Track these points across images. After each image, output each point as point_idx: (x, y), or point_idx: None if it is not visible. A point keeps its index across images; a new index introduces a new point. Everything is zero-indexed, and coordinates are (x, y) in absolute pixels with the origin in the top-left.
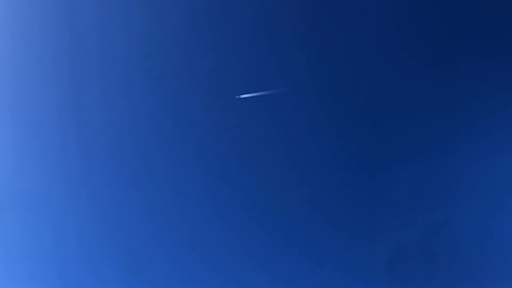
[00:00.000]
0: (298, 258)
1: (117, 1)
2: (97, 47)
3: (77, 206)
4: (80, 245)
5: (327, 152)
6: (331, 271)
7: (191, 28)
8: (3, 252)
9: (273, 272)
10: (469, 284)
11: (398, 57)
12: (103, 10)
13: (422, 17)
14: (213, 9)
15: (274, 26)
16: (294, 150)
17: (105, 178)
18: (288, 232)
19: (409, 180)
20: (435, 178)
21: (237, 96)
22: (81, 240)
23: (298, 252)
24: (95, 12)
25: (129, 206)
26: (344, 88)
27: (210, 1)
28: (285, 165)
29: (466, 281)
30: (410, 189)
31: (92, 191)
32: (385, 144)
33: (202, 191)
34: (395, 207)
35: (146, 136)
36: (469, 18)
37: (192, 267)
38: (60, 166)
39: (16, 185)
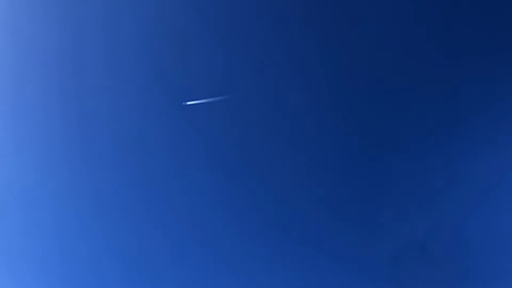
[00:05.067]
0: (299, 257)
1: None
2: (99, 45)
3: (80, 205)
4: (83, 244)
5: (329, 153)
6: (332, 270)
7: (194, 27)
8: (5, 251)
9: (275, 270)
10: (469, 284)
11: (398, 57)
12: (106, 7)
13: (421, 16)
14: (218, 7)
15: (276, 26)
16: (297, 151)
17: (108, 176)
18: (290, 232)
19: (410, 181)
20: (435, 179)
21: (184, 103)
22: (84, 238)
23: (300, 251)
24: (98, 9)
25: (132, 204)
26: (345, 89)
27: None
28: (288, 166)
29: (466, 281)
30: (411, 190)
31: (94, 189)
32: (386, 144)
33: (207, 189)
34: (396, 207)
35: (149, 134)
36: (469, 16)
37: (197, 265)
38: (63, 165)
39: (18, 184)
